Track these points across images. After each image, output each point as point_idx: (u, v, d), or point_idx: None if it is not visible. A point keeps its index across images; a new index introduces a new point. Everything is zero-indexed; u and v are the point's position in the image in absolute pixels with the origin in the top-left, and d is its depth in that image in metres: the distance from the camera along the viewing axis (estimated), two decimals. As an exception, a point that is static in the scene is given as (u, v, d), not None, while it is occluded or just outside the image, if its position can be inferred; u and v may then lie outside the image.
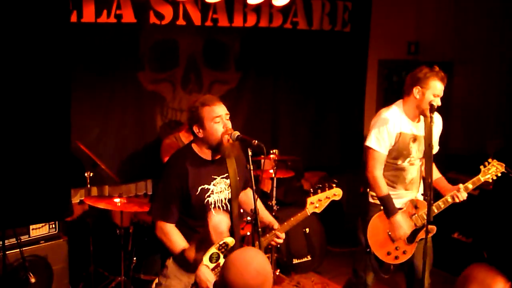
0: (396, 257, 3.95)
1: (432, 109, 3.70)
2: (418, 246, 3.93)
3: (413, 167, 3.95)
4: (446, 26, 6.62)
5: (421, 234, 3.86)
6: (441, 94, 3.76)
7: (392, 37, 6.82)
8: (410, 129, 3.87)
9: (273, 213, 5.04)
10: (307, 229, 5.55)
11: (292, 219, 3.40)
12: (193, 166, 3.17)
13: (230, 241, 3.12)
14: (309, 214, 3.44)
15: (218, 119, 3.14)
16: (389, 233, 3.91)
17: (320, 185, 3.47)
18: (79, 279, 4.75)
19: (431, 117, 3.70)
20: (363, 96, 6.89)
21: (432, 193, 3.63)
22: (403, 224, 3.87)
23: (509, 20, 5.94)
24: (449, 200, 3.89)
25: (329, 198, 3.48)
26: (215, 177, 3.23)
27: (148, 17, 5.18)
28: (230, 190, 3.28)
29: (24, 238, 4.20)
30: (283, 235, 3.35)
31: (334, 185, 3.51)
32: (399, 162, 3.90)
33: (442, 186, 4.00)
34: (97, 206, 4.41)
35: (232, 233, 3.24)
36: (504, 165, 3.93)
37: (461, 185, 3.87)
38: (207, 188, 3.19)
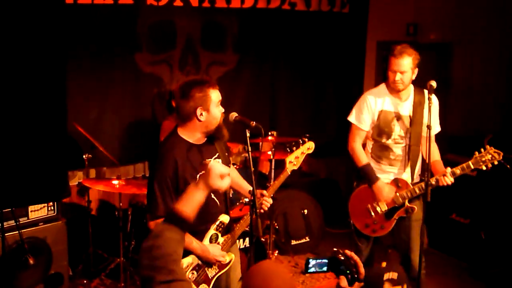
0: (374, 231, 4.08)
1: (431, 89, 3.69)
2: (413, 225, 4.00)
3: (398, 146, 4.02)
4: (445, 7, 6.56)
5: (400, 212, 3.98)
6: (400, 68, 3.80)
7: (391, 18, 6.76)
8: (394, 107, 3.98)
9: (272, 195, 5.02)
10: (305, 211, 5.57)
11: (275, 182, 3.42)
12: (186, 155, 3.06)
13: (225, 219, 3.16)
14: (289, 173, 3.48)
15: (219, 103, 3.10)
16: (368, 207, 4.04)
17: (294, 143, 3.52)
18: (78, 260, 4.78)
19: (429, 98, 3.67)
20: (361, 78, 6.85)
21: (429, 174, 3.64)
22: (386, 188, 3.99)
23: (509, 1, 5.89)
24: (433, 183, 3.76)
25: (304, 153, 3.52)
26: (208, 160, 3.16)
27: (145, -2, 5.15)
28: None
29: (23, 220, 4.18)
30: (270, 200, 3.35)
31: (306, 139, 3.54)
32: (383, 140, 4.03)
33: (436, 170, 3.88)
34: (95, 188, 4.42)
35: (226, 211, 3.26)
36: (502, 153, 3.71)
37: (448, 169, 3.77)
38: None
